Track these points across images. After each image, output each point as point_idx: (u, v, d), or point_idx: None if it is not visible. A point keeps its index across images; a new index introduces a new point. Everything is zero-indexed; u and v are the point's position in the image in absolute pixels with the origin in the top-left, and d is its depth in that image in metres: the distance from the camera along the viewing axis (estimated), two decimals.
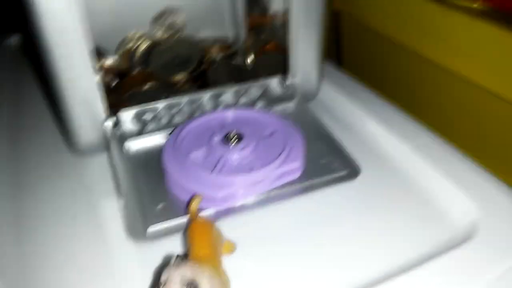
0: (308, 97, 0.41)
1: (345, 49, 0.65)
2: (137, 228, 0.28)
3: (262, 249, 0.27)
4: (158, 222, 0.28)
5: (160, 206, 0.29)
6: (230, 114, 0.34)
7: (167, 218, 0.28)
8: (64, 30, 0.29)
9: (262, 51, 0.45)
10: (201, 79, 0.44)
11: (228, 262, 0.25)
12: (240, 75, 0.44)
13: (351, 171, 0.31)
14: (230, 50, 0.46)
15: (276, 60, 0.45)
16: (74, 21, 0.29)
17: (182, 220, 0.28)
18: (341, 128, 0.37)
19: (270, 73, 0.44)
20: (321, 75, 0.41)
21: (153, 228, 0.27)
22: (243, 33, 0.47)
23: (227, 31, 0.49)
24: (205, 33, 0.48)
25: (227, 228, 0.29)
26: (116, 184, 0.31)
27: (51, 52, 0.29)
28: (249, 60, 0.45)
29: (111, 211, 0.30)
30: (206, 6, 0.47)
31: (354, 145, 0.34)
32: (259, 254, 0.27)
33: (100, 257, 0.27)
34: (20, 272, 0.26)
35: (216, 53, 0.46)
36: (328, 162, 0.31)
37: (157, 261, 0.27)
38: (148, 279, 0.26)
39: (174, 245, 0.28)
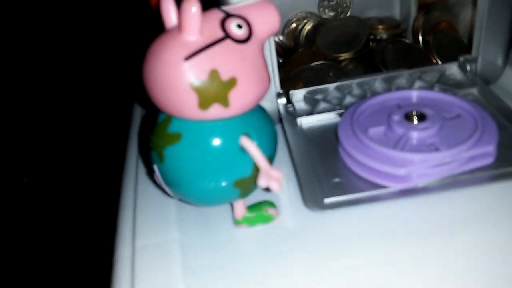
0: (489, 80, 0.37)
1: None
2: (313, 198, 0.28)
3: (439, 235, 0.26)
4: (335, 195, 0.28)
5: (335, 180, 0.29)
6: (408, 94, 0.32)
7: (343, 192, 0.28)
8: None
9: (433, 31, 0.42)
10: (368, 59, 0.42)
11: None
12: (411, 56, 0.42)
13: None
14: (399, 30, 0.44)
15: (450, 41, 0.42)
16: None
17: (359, 195, 0.27)
18: None
19: (443, 54, 0.41)
20: (508, 57, 0.37)
21: (329, 200, 0.27)
22: (413, 12, 0.45)
23: (395, 10, 0.47)
24: (372, 12, 0.47)
25: (406, 209, 0.27)
26: (290, 156, 0.32)
27: None
28: (420, 40, 0.43)
29: (285, 180, 0.31)
30: None
31: None
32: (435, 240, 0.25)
33: (276, 224, 0.28)
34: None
35: (383, 33, 0.44)
36: None
37: (332, 230, 0.27)
38: (323, 246, 0.26)
39: (349, 215, 0.27)
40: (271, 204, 0.29)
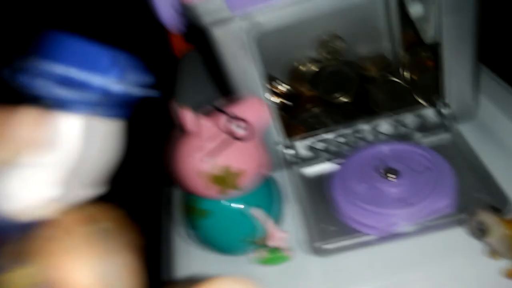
0: (466, 118, 0.42)
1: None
2: (314, 244, 0.36)
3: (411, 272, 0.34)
4: (333, 241, 0.35)
5: (332, 228, 0.37)
6: (386, 148, 0.40)
7: (340, 239, 0.35)
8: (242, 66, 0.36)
9: (423, 67, 0.47)
10: (363, 99, 0.49)
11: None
12: (400, 95, 0.47)
13: (503, 205, 0.34)
14: (389, 68, 0.49)
15: (434, 80, 0.47)
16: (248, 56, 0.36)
17: (353, 241, 0.35)
18: (500, 152, 0.39)
19: (432, 90, 0.44)
20: (476, 95, 0.42)
21: (328, 246, 0.35)
22: (401, 49, 0.50)
23: (385, 49, 0.52)
24: (363, 51, 0.52)
25: (387, 252, 0.35)
26: (293, 204, 0.40)
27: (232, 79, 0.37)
28: (410, 77, 0.48)
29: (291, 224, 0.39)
30: (363, 26, 0.51)
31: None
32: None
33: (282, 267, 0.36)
34: None
35: (375, 72, 0.50)
36: (481, 196, 0.35)
37: (330, 273, 0.35)
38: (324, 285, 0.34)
39: (344, 260, 0.35)
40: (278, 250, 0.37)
